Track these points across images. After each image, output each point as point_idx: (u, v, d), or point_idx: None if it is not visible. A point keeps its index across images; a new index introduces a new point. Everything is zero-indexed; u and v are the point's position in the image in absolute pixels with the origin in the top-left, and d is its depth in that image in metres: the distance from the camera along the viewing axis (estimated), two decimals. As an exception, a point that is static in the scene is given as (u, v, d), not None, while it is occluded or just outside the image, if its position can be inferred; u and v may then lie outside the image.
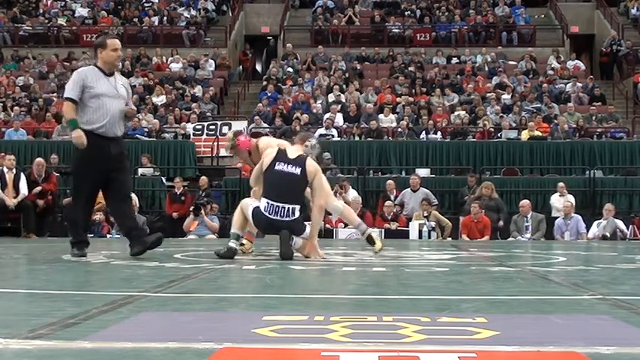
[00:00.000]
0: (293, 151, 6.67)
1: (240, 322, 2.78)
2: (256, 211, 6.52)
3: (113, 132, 6.57)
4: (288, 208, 6.39)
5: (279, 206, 6.40)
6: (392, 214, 14.10)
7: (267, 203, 6.44)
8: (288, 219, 6.38)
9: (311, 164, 6.55)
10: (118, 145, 6.68)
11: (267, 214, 6.43)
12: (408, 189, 14.75)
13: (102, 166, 6.52)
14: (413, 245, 11.01)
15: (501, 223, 14.03)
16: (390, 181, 15.09)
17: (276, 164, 6.52)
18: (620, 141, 18.01)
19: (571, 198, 14.56)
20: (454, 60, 23.80)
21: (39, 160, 14.32)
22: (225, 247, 6.61)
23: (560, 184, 14.81)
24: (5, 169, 13.21)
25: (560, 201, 14.42)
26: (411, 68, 22.87)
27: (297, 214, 6.43)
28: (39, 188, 13.62)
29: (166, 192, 15.57)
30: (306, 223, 6.81)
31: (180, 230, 14.06)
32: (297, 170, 6.44)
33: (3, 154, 15.37)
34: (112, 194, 6.76)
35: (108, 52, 6.60)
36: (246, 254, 7.11)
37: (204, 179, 15.29)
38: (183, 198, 14.85)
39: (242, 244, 7.37)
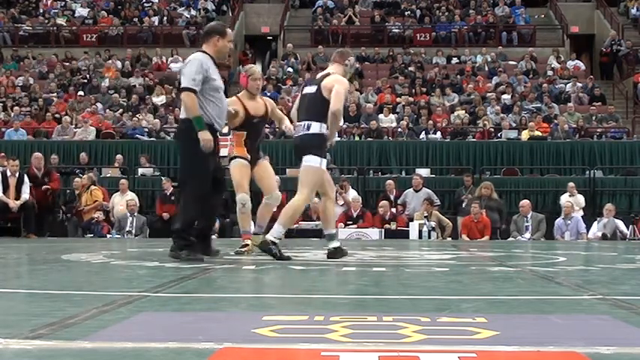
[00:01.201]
0: (325, 71, 6.73)
1: (240, 322, 2.78)
2: None
3: (222, 128, 6.36)
4: (304, 124, 6.46)
5: (299, 125, 6.55)
6: (388, 213, 14.08)
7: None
8: (302, 133, 6.46)
9: (328, 79, 6.47)
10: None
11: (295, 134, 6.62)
12: (411, 189, 14.75)
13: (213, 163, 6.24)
14: (413, 245, 11.01)
15: (503, 226, 14.06)
16: (389, 181, 15.09)
17: (303, 89, 6.71)
18: (620, 141, 18.02)
19: (580, 198, 14.55)
20: (454, 60, 23.80)
21: (37, 154, 14.33)
22: (333, 249, 6.53)
23: (570, 184, 14.77)
24: (9, 173, 13.22)
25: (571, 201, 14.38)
26: (411, 68, 22.87)
27: (312, 129, 6.40)
28: (46, 187, 13.64)
29: (157, 192, 15.54)
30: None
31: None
32: (314, 89, 6.50)
33: (3, 154, 15.41)
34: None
35: (225, 42, 6.22)
36: (248, 254, 7.12)
37: None
38: (173, 198, 14.84)
39: (246, 245, 7.36)
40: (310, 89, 6.52)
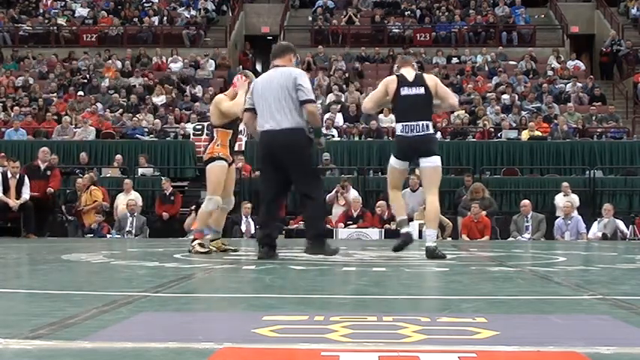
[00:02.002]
0: (408, 73, 6.95)
1: (240, 322, 2.78)
2: (397, 136, 6.90)
3: None
4: (422, 124, 6.73)
5: (413, 124, 6.73)
6: (386, 213, 14.07)
7: (403, 125, 6.80)
8: (423, 133, 6.72)
9: (429, 79, 6.95)
10: None
11: (404, 134, 6.78)
12: (407, 189, 14.73)
13: None
14: (413, 245, 10.99)
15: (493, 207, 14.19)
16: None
17: (402, 90, 6.82)
18: (620, 141, 18.02)
19: (575, 198, 14.56)
20: (454, 60, 23.80)
21: (45, 148, 14.37)
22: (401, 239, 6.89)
23: (565, 184, 14.79)
24: (9, 174, 13.22)
25: (565, 201, 14.41)
26: (411, 68, 22.84)
27: (430, 129, 6.79)
28: (51, 190, 13.65)
29: (157, 192, 15.56)
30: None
31: (175, 230, 14.08)
32: (422, 90, 6.79)
33: (3, 154, 15.41)
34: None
35: (295, 59, 6.85)
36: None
37: None
38: (172, 198, 14.87)
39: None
40: (415, 90, 6.79)
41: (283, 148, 6.48)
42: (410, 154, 6.83)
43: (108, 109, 20.21)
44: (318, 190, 6.73)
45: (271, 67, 6.74)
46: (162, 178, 15.76)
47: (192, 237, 7.59)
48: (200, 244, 7.22)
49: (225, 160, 7.33)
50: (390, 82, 6.93)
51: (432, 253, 6.61)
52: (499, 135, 18.17)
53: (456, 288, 4.37)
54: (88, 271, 5.57)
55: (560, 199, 14.64)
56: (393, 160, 6.90)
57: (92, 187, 14.37)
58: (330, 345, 2.29)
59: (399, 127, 6.80)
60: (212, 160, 7.35)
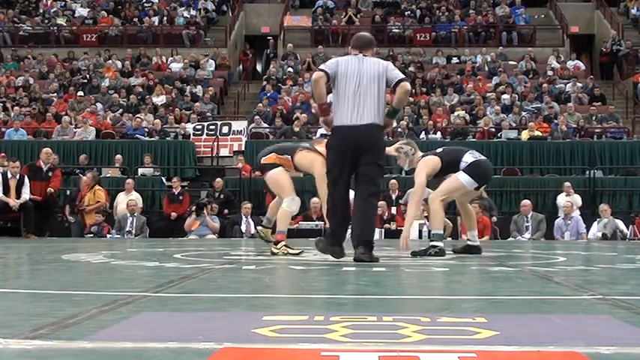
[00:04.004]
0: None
1: (240, 322, 2.78)
2: (480, 160, 7.51)
3: None
4: None
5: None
6: (387, 214, 14.07)
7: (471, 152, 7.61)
8: None
9: None
10: None
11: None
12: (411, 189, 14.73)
13: None
14: (413, 245, 10.98)
15: (494, 219, 14.19)
16: (393, 181, 15.05)
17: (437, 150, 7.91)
18: (620, 141, 18.02)
19: (577, 198, 14.56)
20: (454, 60, 23.81)
21: (47, 149, 14.38)
22: (435, 248, 7.20)
23: (567, 183, 14.78)
24: (9, 174, 13.22)
25: (566, 201, 14.40)
26: (411, 68, 22.86)
27: None
28: (51, 190, 13.65)
29: (165, 192, 15.60)
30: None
31: (179, 230, 14.08)
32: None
33: (3, 154, 15.40)
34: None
35: None
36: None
37: (219, 181, 15.30)
38: (181, 198, 14.89)
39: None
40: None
41: (365, 145, 6.16)
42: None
43: (108, 109, 20.22)
44: (377, 194, 6.48)
45: (352, 55, 6.42)
46: (163, 178, 15.70)
47: (274, 240, 7.28)
48: (286, 246, 7.06)
49: (279, 166, 7.20)
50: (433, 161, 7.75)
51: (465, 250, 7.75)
52: (499, 135, 18.17)
53: (456, 288, 4.37)
54: (88, 271, 5.57)
55: (562, 199, 14.62)
56: (471, 183, 7.49)
57: (96, 187, 14.36)
58: (330, 345, 2.29)
59: (469, 157, 7.43)
60: (270, 167, 7.20)
